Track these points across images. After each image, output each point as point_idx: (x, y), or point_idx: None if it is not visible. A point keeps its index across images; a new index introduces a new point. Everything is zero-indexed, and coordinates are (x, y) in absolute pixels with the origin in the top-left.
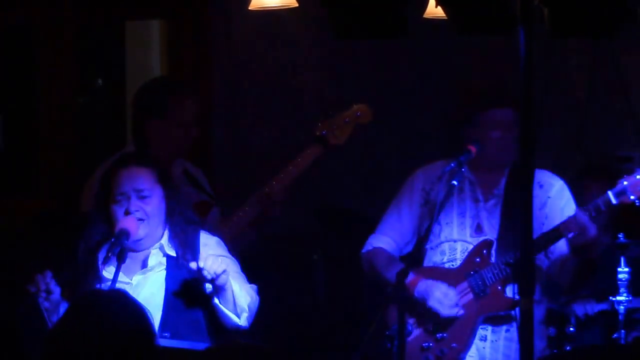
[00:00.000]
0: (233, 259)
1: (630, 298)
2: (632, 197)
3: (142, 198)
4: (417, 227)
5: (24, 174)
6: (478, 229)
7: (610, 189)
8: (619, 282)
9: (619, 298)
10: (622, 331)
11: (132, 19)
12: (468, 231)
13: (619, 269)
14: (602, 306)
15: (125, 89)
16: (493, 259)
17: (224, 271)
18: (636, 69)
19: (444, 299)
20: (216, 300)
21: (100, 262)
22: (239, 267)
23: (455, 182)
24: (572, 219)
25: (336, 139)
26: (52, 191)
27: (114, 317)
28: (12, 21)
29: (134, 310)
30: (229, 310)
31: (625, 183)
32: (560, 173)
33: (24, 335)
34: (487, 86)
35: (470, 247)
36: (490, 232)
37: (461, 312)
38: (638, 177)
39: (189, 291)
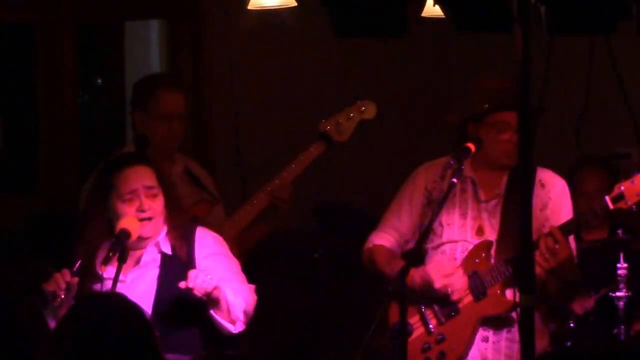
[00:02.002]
0: (232, 258)
1: (629, 293)
2: (628, 203)
3: (153, 196)
4: (418, 226)
5: (24, 174)
6: (479, 231)
7: (608, 182)
8: (618, 278)
9: (618, 294)
10: (622, 327)
11: (131, 18)
12: (469, 232)
13: (618, 265)
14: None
15: (125, 88)
16: (492, 260)
17: (215, 287)
18: (633, 66)
19: (444, 269)
20: (211, 311)
21: (100, 262)
22: (239, 267)
23: (454, 180)
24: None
25: (340, 136)
26: (52, 190)
27: (114, 321)
28: (12, 21)
29: (134, 314)
30: (224, 320)
31: (622, 188)
32: (559, 170)
33: (23, 335)
34: (498, 87)
35: (470, 246)
36: (491, 234)
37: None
38: (635, 182)
39: (182, 306)
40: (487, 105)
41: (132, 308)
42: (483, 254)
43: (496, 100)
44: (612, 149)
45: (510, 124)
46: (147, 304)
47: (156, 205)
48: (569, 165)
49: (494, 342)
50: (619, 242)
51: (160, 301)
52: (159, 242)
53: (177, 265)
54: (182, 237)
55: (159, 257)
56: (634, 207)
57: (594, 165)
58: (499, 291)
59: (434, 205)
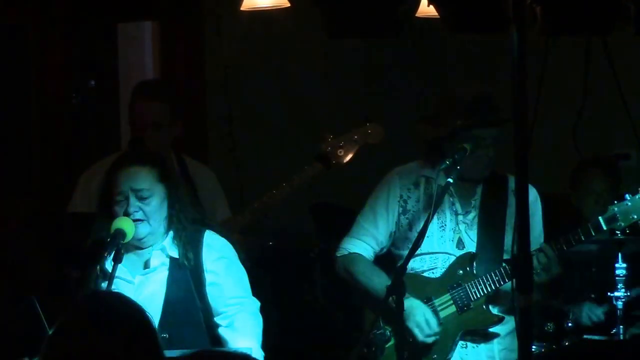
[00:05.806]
0: (241, 266)
1: (628, 294)
2: (622, 224)
3: (142, 198)
4: (393, 233)
5: (17, 175)
6: (459, 244)
7: (615, 182)
8: (617, 278)
9: (616, 294)
10: (620, 327)
11: (125, 20)
12: (448, 244)
13: (617, 265)
14: (605, 308)
15: (118, 90)
16: (475, 270)
17: None
18: (630, 66)
19: (424, 325)
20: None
21: (98, 262)
22: (246, 276)
23: (451, 180)
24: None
25: (338, 158)
26: (45, 192)
27: (115, 318)
28: (5, 22)
29: (134, 312)
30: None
31: (615, 209)
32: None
33: (20, 336)
34: (472, 102)
35: (452, 258)
36: (471, 246)
37: (437, 338)
38: (629, 204)
39: (190, 307)
40: (459, 122)
41: (134, 307)
42: (467, 267)
43: (468, 116)
44: (610, 150)
45: (482, 140)
46: (156, 305)
47: (148, 208)
48: (568, 166)
49: (473, 347)
50: (618, 243)
51: (170, 302)
52: (165, 247)
53: (185, 268)
54: (189, 241)
55: (167, 260)
56: (627, 228)
57: (603, 165)
58: (484, 306)
59: (412, 215)
